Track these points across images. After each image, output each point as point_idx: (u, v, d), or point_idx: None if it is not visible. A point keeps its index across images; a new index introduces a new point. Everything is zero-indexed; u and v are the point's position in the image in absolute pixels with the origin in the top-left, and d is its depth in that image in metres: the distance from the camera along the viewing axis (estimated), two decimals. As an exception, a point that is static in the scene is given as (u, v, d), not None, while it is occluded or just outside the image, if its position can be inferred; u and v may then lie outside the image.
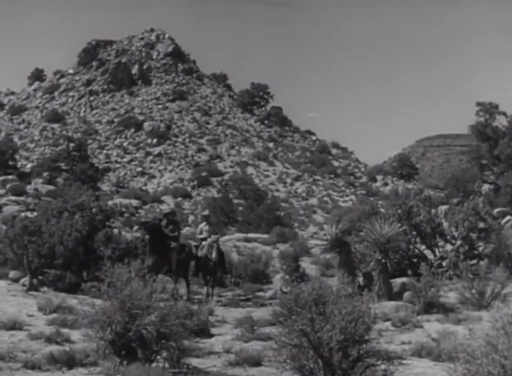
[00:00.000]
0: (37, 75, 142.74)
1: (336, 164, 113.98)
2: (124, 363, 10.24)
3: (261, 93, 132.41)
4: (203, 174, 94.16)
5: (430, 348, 11.58)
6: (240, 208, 61.84)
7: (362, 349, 8.68)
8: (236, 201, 68.25)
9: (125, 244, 22.15)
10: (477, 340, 8.13)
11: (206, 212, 27.86)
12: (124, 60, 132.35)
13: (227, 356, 11.71)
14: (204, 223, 23.77)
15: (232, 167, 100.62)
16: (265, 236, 41.23)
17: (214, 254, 21.87)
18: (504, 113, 67.24)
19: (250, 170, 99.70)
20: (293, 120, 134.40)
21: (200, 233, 23.24)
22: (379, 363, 8.73)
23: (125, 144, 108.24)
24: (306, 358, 8.64)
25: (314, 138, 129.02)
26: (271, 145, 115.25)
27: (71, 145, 77.01)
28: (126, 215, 60.97)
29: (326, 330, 8.33)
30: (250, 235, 41.51)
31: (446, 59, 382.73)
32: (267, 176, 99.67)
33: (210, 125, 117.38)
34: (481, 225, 25.87)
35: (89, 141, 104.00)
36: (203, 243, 22.56)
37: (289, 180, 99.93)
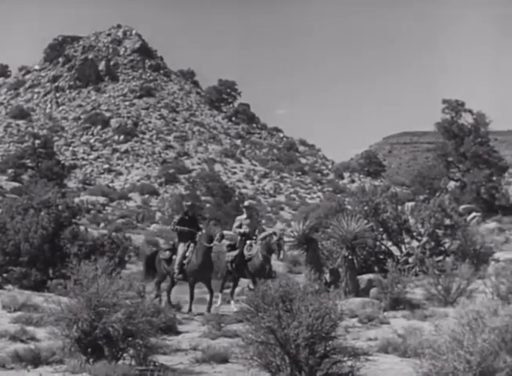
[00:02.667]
0: (2, 71, 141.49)
1: (303, 161, 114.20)
2: (91, 360, 10.18)
3: (228, 90, 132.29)
4: (171, 171, 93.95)
5: (397, 344, 11.62)
6: (208, 205, 61.81)
7: (329, 346, 8.69)
8: (203, 198, 68.21)
9: (92, 241, 22.00)
10: (442, 336, 8.18)
11: (247, 203, 23.42)
12: (90, 56, 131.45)
13: (194, 353, 11.67)
14: (245, 216, 20.69)
15: (199, 164, 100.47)
16: (233, 233, 41.17)
17: (281, 255, 19.69)
18: (470, 111, 67.73)
19: (217, 167, 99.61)
20: (261, 117, 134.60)
21: (239, 227, 20.34)
22: (345, 359, 8.76)
23: (92, 141, 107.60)
24: (273, 355, 8.64)
25: (281, 135, 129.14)
26: (238, 142, 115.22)
27: (37, 142, 76.33)
28: (93, 212, 60.72)
29: (293, 327, 8.33)
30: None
31: (414, 56, 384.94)
32: (234, 173, 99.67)
33: (178, 122, 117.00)
34: (447, 221, 26.06)
35: (55, 138, 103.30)
36: (244, 240, 19.77)
37: (256, 177, 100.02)
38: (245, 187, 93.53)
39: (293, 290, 9.02)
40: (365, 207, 25.82)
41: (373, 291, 19.09)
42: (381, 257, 24.75)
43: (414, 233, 26.00)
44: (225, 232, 20.09)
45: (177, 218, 19.53)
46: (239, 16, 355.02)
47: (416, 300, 18.36)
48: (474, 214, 44.96)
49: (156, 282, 19.16)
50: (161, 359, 10.97)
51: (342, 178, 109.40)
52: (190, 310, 17.66)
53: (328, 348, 8.70)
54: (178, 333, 14.16)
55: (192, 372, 10.46)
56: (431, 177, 64.36)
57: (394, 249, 25.69)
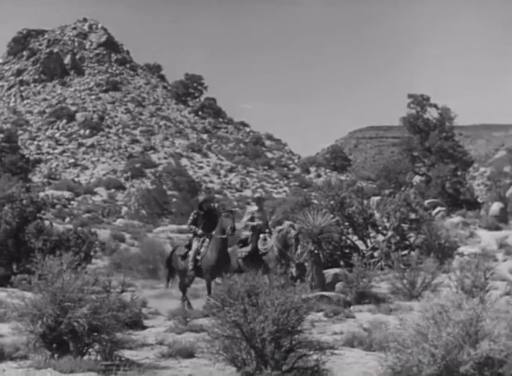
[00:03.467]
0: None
1: (269, 155, 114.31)
2: (55, 356, 10.11)
3: (195, 84, 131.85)
4: (137, 165, 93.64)
5: (362, 338, 11.68)
6: (174, 200, 61.69)
7: (295, 340, 8.71)
8: (169, 193, 68.07)
9: (57, 236, 21.87)
10: (407, 329, 8.23)
11: (258, 194, 21.72)
12: (56, 50, 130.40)
13: (160, 348, 11.63)
14: (256, 208, 19.74)
15: (165, 158, 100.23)
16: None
17: (299, 250, 18.94)
18: (435, 106, 68.21)
19: (184, 161, 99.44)
20: (227, 111, 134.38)
21: (251, 220, 19.29)
22: (311, 353, 8.78)
23: (57, 135, 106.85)
24: (239, 349, 8.64)
25: (248, 129, 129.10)
26: (205, 136, 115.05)
27: (0, 136, 75.64)
28: (58, 206, 60.34)
29: (259, 321, 8.34)
30: (184, 226, 41.34)
31: (380, 51, 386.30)
32: (201, 168, 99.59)
33: (144, 116, 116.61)
34: (413, 216, 26.25)
35: (20, 132, 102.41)
36: (257, 234, 18.97)
37: (223, 172, 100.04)
38: (211, 182, 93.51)
39: (260, 284, 9.03)
40: (332, 202, 25.94)
41: (338, 285, 19.16)
42: (347, 251, 24.87)
43: (380, 228, 26.17)
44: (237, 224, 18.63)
45: (192, 215, 18.51)
46: (205, 11, 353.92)
47: (381, 294, 18.46)
48: (438, 208, 45.29)
49: (179, 284, 18.37)
50: (127, 353, 10.92)
51: (308, 172, 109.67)
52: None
53: (294, 343, 8.71)
54: (144, 328, 14.11)
55: (158, 367, 10.42)
56: (397, 171, 64.81)
57: (359, 243, 25.83)
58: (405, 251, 24.74)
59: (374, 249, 25.29)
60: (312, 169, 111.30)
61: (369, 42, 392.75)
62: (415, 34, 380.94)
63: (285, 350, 8.57)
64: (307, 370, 8.65)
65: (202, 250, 17.58)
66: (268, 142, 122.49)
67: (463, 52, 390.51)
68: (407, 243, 25.72)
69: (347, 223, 25.89)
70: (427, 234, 25.67)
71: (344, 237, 25.30)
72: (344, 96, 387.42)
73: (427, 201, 44.36)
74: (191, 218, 18.39)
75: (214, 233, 17.53)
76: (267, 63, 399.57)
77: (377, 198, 33.89)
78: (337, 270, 20.66)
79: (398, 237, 25.54)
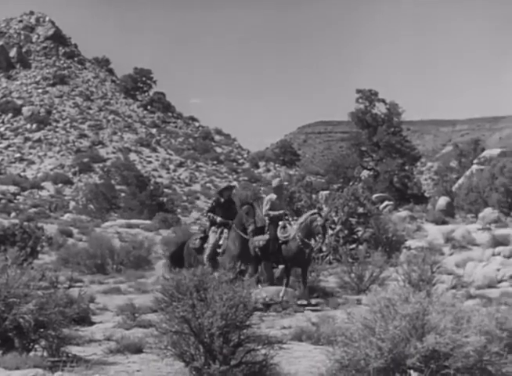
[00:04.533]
0: None
1: (219, 150, 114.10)
2: (0, 352, 9.98)
3: (144, 78, 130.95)
4: (85, 160, 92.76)
5: (310, 332, 11.73)
6: (123, 194, 61.32)
7: (243, 334, 8.71)
8: (118, 187, 67.63)
9: (2, 231, 21.59)
10: (355, 323, 8.28)
11: (277, 181, 19.93)
12: (1, 43, 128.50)
13: (108, 344, 11.56)
14: (275, 196, 18.28)
15: (114, 153, 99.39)
16: (148, 222, 41.07)
17: (326, 240, 18.29)
18: (383, 101, 68.89)
19: (132, 156, 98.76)
20: (177, 106, 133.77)
21: (271, 208, 17.87)
22: (259, 347, 8.79)
23: (2, 129, 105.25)
24: (187, 344, 8.61)
25: (197, 124, 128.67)
26: (154, 131, 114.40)
27: None
28: (3, 201, 59.60)
29: (207, 317, 8.32)
30: (133, 221, 41.27)
31: (329, 46, 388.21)
32: (150, 162, 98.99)
33: (92, 110, 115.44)
34: (361, 210, 26.46)
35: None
36: (276, 221, 17.69)
37: (172, 166, 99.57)
38: (160, 176, 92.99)
39: (208, 279, 9.00)
40: (281, 196, 25.97)
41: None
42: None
43: (328, 222, 26.29)
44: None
45: (211, 203, 17.65)
46: (154, 5, 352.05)
47: (329, 288, 18.57)
48: (386, 202, 45.71)
49: None
50: (74, 350, 10.82)
51: (257, 167, 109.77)
52: None
53: (242, 337, 8.71)
54: (92, 323, 14.02)
55: (106, 362, 10.36)
56: (345, 166, 65.28)
57: (308, 237, 25.89)
58: (353, 245, 24.92)
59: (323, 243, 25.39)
60: (261, 164, 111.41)
61: (318, 38, 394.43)
62: (364, 31, 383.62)
63: (233, 345, 8.57)
64: (255, 364, 8.66)
65: (221, 242, 16.68)
66: (217, 137, 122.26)
67: (411, 49, 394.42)
68: (355, 237, 25.90)
69: (295, 217, 25.96)
70: (374, 228, 25.90)
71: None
72: (293, 91, 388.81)
73: (375, 196, 44.72)
74: (209, 206, 17.67)
75: (232, 224, 16.56)
76: (217, 57, 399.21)
77: (326, 193, 34.10)
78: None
79: (346, 231, 25.71)
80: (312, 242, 17.15)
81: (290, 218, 18.41)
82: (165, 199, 58.18)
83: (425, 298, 8.27)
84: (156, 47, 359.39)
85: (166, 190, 73.61)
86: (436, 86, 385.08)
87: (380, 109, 68.85)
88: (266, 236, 17.57)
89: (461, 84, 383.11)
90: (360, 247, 24.57)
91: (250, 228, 16.27)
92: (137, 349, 10.97)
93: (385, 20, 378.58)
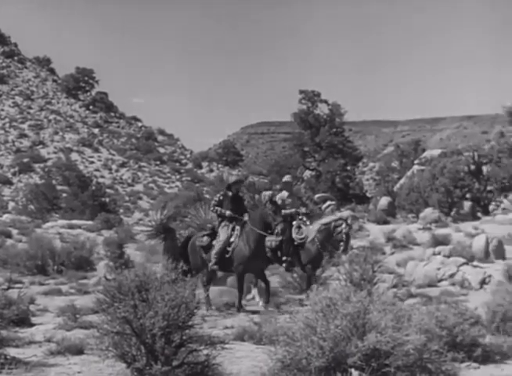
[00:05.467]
0: None
1: (162, 150, 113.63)
2: None
3: (86, 78, 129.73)
4: (25, 160, 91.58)
5: (253, 332, 11.74)
6: (64, 195, 60.69)
7: (185, 335, 8.68)
8: (59, 188, 66.88)
9: None
10: (297, 323, 8.32)
11: (287, 178, 18.96)
12: None
13: (48, 345, 11.41)
14: (287, 194, 17.67)
15: (55, 153, 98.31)
16: (90, 222, 40.71)
17: (349, 249, 16.88)
18: (326, 102, 69.32)
19: (74, 156, 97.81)
20: (119, 106, 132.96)
21: (283, 207, 17.07)
22: (202, 348, 8.77)
23: None
24: (129, 345, 8.56)
25: (140, 124, 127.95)
26: (96, 131, 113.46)
27: None
28: None
29: (149, 317, 8.28)
30: (74, 222, 40.85)
31: (272, 46, 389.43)
32: (92, 162, 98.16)
33: (33, 110, 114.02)
34: (303, 210, 26.52)
35: None
36: (289, 221, 16.95)
37: (114, 166, 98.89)
38: (103, 176, 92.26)
39: (150, 279, 8.96)
40: (223, 197, 25.95)
41: (230, 279, 19.20)
42: (239, 246, 24.93)
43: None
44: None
45: (218, 196, 16.44)
46: (97, 3, 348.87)
47: (272, 288, 18.57)
48: (328, 202, 45.93)
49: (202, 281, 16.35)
50: (13, 352, 10.66)
51: (201, 167, 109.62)
52: (241, 307, 15.37)
53: (184, 338, 8.69)
54: (31, 325, 13.83)
55: (46, 364, 10.23)
56: (288, 166, 65.53)
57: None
58: (296, 245, 24.97)
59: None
60: (204, 164, 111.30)
61: (262, 36, 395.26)
62: (307, 31, 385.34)
63: (175, 345, 8.54)
64: (197, 364, 8.64)
65: (232, 239, 15.67)
66: (160, 137, 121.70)
67: (353, 50, 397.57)
68: (298, 237, 25.95)
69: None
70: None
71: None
72: (236, 92, 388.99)
73: (317, 196, 44.93)
74: (216, 199, 16.32)
75: (245, 219, 15.66)
76: (160, 56, 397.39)
77: (269, 193, 34.05)
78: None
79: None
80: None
81: (305, 218, 17.50)
82: (107, 199, 57.78)
83: (366, 297, 8.34)
84: (98, 47, 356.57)
85: (108, 191, 73.11)
86: (378, 87, 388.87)
87: (322, 110, 69.35)
88: (280, 237, 16.62)
89: (402, 85, 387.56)
90: (303, 246, 24.64)
91: (278, 228, 15.71)
92: (78, 351, 10.86)
93: (327, 20, 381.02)
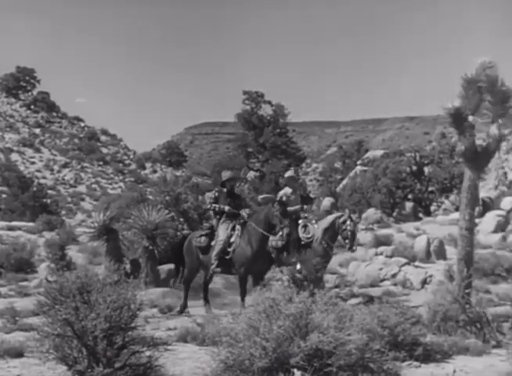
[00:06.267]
0: None
1: (105, 151, 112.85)
2: None
3: (27, 77, 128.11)
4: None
5: (195, 333, 11.73)
6: (4, 196, 59.89)
7: (128, 337, 8.62)
8: (-1, 189, 66.04)
9: None
10: (240, 324, 8.32)
11: (290, 172, 17.69)
12: None
13: (-14, 349, 11.26)
14: (290, 190, 16.79)
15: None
16: (31, 224, 40.18)
17: (355, 246, 16.12)
18: (269, 102, 69.54)
19: (14, 156, 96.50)
20: (62, 105, 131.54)
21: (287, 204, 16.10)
22: (144, 349, 8.73)
23: None
24: (70, 347, 8.47)
25: (82, 124, 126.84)
26: (37, 131, 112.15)
27: None
28: None
29: (91, 319, 8.21)
30: (14, 223, 40.24)
31: (213, 46, 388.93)
32: (33, 163, 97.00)
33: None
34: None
35: None
36: (295, 219, 16.24)
37: (56, 167, 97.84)
38: (44, 177, 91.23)
39: (92, 281, 8.88)
40: (167, 198, 25.93)
41: (173, 281, 19.16)
42: (182, 247, 24.91)
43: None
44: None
45: (213, 193, 15.81)
46: (38, 3, 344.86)
47: (216, 289, 18.60)
48: (272, 203, 46.03)
49: (184, 281, 15.86)
50: (-49, 355, 10.50)
51: (144, 168, 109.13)
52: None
53: (127, 339, 8.63)
54: (-31, 329, 13.61)
55: (-16, 368, 10.09)
56: (232, 167, 65.45)
57: (194, 239, 25.88)
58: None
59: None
60: (148, 165, 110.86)
61: (202, 37, 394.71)
62: (251, 32, 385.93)
63: (117, 347, 8.48)
64: (139, 366, 8.59)
65: (233, 239, 14.84)
66: (103, 138, 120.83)
67: (296, 51, 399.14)
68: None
69: (182, 219, 25.92)
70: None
71: (179, 233, 25.30)
72: (180, 92, 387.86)
73: (261, 197, 44.94)
74: (211, 196, 15.65)
75: (244, 215, 14.95)
76: (103, 56, 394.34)
77: (211, 194, 34.09)
78: (171, 266, 20.66)
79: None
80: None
81: (311, 216, 17.02)
82: (49, 200, 57.17)
83: (308, 298, 8.38)
84: (40, 46, 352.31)
85: (50, 192, 72.32)
86: (321, 88, 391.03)
87: (266, 110, 69.55)
88: (284, 237, 16.01)
89: (345, 86, 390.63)
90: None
91: (284, 231, 14.98)
92: (18, 353, 10.71)
93: (271, 21, 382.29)
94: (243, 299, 14.74)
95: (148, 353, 8.74)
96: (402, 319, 9.74)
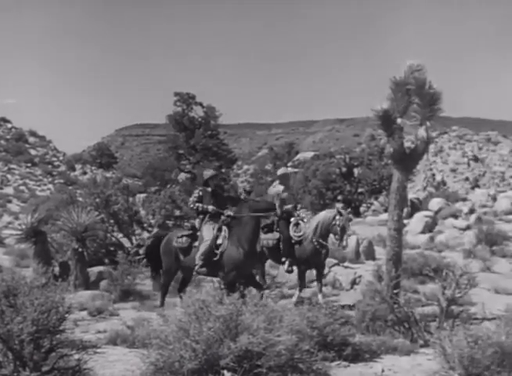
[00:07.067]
0: None
1: (33, 152, 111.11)
2: None
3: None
4: None
5: (125, 335, 11.64)
6: None
7: (56, 340, 8.51)
8: None
9: None
10: (170, 326, 8.29)
11: (283, 170, 17.29)
12: None
13: None
14: (282, 188, 16.28)
15: None
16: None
17: (345, 242, 15.46)
18: (201, 104, 69.36)
19: None
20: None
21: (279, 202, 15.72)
22: (73, 352, 8.63)
23: None
24: (-5, 351, 8.35)
25: (10, 125, 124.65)
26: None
27: None
28: None
29: (17, 323, 8.07)
30: None
31: (144, 48, 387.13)
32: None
33: None
34: (177, 213, 26.56)
35: None
36: (286, 218, 15.82)
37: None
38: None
39: (18, 284, 8.75)
40: (97, 199, 25.67)
41: (103, 283, 19.01)
42: (112, 249, 24.71)
43: (145, 225, 26.26)
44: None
45: (197, 192, 14.80)
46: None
47: (146, 291, 18.51)
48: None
49: (162, 285, 15.05)
50: None
51: (74, 170, 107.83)
52: None
53: (55, 343, 8.51)
54: None
55: None
56: (163, 169, 65.27)
57: (125, 241, 25.73)
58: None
59: (139, 246, 25.29)
60: (78, 166, 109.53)
61: (134, 39, 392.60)
62: (182, 35, 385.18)
63: (45, 351, 8.36)
64: (68, 370, 8.49)
65: (220, 241, 13.88)
66: (31, 139, 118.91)
67: (229, 53, 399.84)
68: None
69: (112, 221, 25.71)
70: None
71: (109, 235, 25.10)
72: (111, 94, 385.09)
73: (191, 198, 44.97)
74: (195, 195, 14.70)
75: (229, 213, 14.14)
76: (33, 57, 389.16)
77: (143, 195, 33.99)
78: (101, 268, 20.49)
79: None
80: (329, 242, 15.86)
81: (303, 214, 16.45)
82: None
83: (239, 299, 8.40)
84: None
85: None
86: (252, 90, 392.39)
87: (197, 112, 69.39)
88: (276, 235, 15.74)
89: (277, 88, 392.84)
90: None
91: (278, 208, 14.18)
92: None
93: (202, 22, 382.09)
94: None
95: (77, 356, 8.64)
96: (331, 320, 9.82)
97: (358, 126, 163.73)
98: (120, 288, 17.73)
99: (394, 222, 12.95)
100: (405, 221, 14.98)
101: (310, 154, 63.04)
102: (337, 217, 15.34)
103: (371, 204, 41.97)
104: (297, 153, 76.63)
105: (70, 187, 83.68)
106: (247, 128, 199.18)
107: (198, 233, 14.34)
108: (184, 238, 14.40)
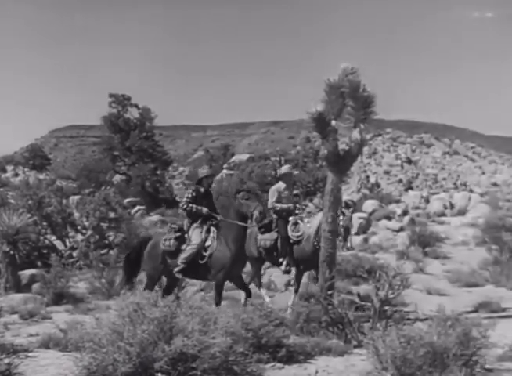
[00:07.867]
0: None
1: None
2: None
3: None
4: None
5: (58, 339, 11.47)
6: None
7: (-15, 344, 8.39)
8: None
9: None
10: (103, 329, 8.20)
11: (286, 168, 16.41)
12: None
13: None
14: (284, 186, 15.75)
15: None
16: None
17: (349, 243, 14.69)
18: (136, 106, 68.95)
19: None
20: None
21: (279, 201, 15.47)
22: (3, 356, 8.49)
23: None
24: None
25: None
26: None
27: None
28: None
29: None
30: None
31: (80, 49, 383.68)
32: None
33: None
34: (112, 215, 26.39)
35: None
36: (285, 217, 15.33)
37: None
38: None
39: None
40: (29, 201, 25.37)
41: (35, 286, 18.76)
42: (45, 251, 24.43)
43: (79, 227, 26.03)
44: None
45: (189, 192, 13.95)
46: None
47: (79, 294, 18.31)
48: (138, 207, 45.85)
49: (145, 289, 13.47)
50: None
51: (5, 171, 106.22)
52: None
53: (-16, 347, 8.39)
54: None
55: None
56: (97, 171, 64.72)
57: (58, 243, 25.47)
58: (105, 250, 24.75)
59: (73, 249, 25.06)
60: (9, 168, 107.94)
61: (72, 41, 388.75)
62: (116, 35, 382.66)
63: (-26, 355, 8.23)
64: (-2, 375, 8.37)
65: (209, 243, 13.26)
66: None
67: (164, 54, 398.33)
68: (106, 242, 25.77)
69: (45, 223, 25.43)
70: (126, 233, 25.90)
71: (41, 237, 24.82)
72: (44, 94, 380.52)
73: (126, 200, 44.63)
74: (188, 195, 13.84)
75: (219, 217, 13.57)
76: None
77: (77, 197, 33.70)
78: (33, 271, 20.22)
79: (97, 236, 25.54)
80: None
81: (303, 214, 15.68)
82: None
83: (173, 302, 8.36)
84: None
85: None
86: (188, 92, 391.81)
87: (132, 113, 68.96)
88: (274, 235, 15.18)
89: (212, 90, 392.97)
90: (111, 252, 24.46)
91: (256, 213, 12.93)
92: None
93: (138, 23, 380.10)
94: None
95: (7, 361, 8.50)
96: (265, 322, 9.81)
97: (293, 128, 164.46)
98: (53, 291, 17.48)
99: (328, 224, 13.00)
100: (340, 223, 14.64)
101: (245, 156, 63.18)
102: (340, 217, 14.47)
103: (306, 205, 42.18)
104: (232, 155, 76.64)
105: (1, 189, 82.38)
106: (183, 129, 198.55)
107: (186, 235, 13.68)
108: (172, 241, 13.68)
